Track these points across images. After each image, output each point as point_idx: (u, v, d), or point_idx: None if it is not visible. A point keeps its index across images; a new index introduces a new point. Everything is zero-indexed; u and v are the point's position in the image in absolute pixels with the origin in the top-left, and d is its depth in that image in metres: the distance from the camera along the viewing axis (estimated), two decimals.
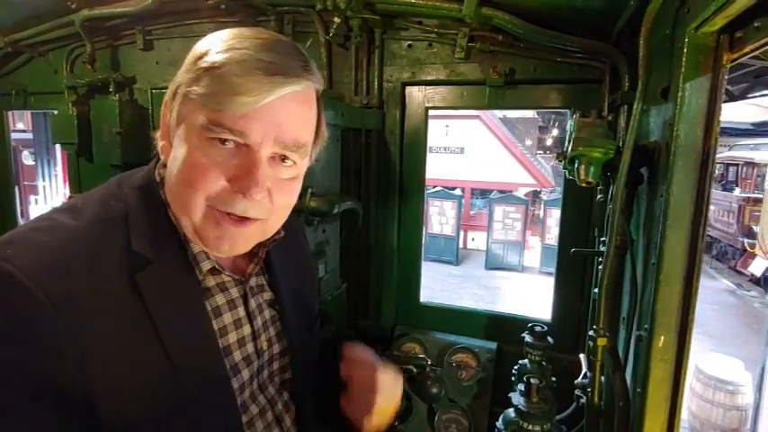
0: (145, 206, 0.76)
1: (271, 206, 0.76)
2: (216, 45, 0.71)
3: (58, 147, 9.41)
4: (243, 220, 0.74)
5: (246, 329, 0.86)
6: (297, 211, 1.65)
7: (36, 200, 10.98)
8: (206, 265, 0.78)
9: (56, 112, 2.62)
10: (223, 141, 0.70)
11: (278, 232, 0.87)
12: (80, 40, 2.52)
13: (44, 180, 10.79)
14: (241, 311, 0.85)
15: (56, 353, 0.61)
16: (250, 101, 0.67)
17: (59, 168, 10.77)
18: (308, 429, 0.98)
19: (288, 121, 0.72)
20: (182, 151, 0.72)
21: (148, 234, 0.74)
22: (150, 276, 0.71)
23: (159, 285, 0.72)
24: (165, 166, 0.79)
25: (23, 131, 12.41)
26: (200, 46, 0.74)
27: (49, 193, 10.86)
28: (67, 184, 3.51)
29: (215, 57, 0.70)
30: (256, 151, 0.70)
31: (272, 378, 0.92)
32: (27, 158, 11.97)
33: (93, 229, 0.71)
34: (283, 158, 0.75)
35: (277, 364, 0.93)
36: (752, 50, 1.01)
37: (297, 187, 0.81)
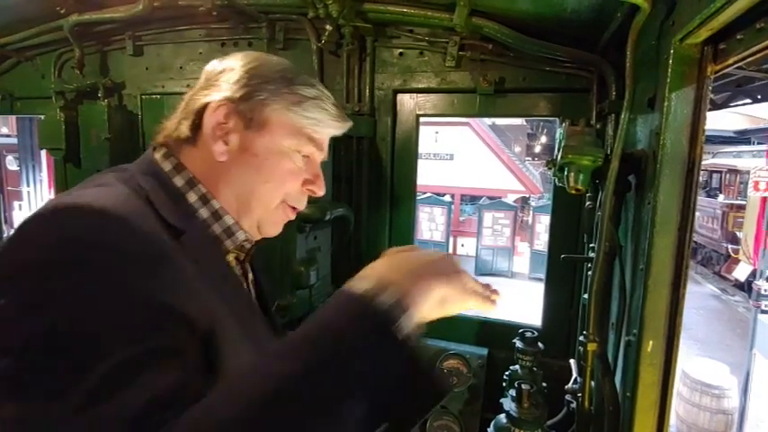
0: (160, 189, 0.81)
1: None
2: (298, 76, 0.89)
3: (43, 152, 9.28)
4: (295, 209, 0.94)
5: None
6: None
7: (20, 206, 10.77)
8: (241, 235, 0.89)
9: (43, 117, 2.59)
10: (304, 155, 0.90)
11: None
12: (69, 44, 2.50)
13: (29, 186, 10.61)
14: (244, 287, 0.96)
15: (173, 284, 0.66)
16: (338, 131, 0.95)
17: (45, 174, 10.60)
18: None
19: None
20: (269, 155, 0.86)
21: (172, 210, 0.79)
22: (188, 242, 0.76)
23: (197, 250, 0.78)
24: (172, 155, 0.86)
25: (7, 136, 12.22)
26: (285, 69, 0.89)
27: (33, 199, 10.67)
28: (53, 189, 3.46)
29: (314, 91, 0.89)
30: (317, 161, 0.94)
31: None
32: (11, 164, 11.77)
33: (133, 197, 0.75)
34: None
35: None
36: (735, 62, 1.04)
37: None
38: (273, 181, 0.87)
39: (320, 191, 0.94)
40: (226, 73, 0.86)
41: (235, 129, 0.84)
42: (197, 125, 0.85)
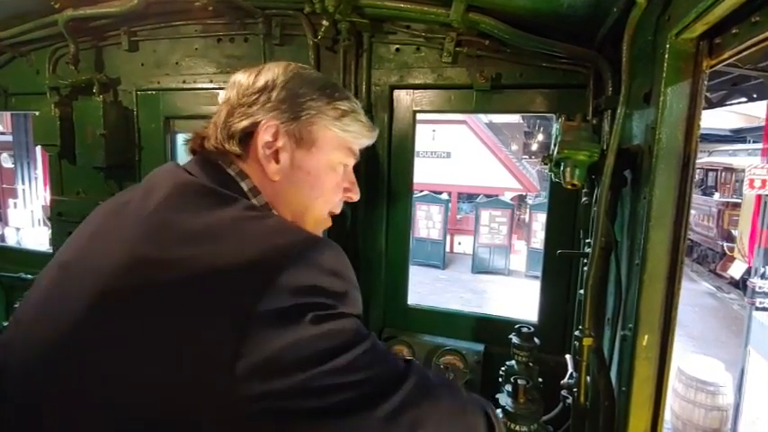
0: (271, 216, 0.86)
1: None
2: (336, 89, 0.94)
3: (38, 149, 9.22)
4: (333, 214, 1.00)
5: None
6: None
7: (15, 203, 10.72)
8: None
9: (37, 113, 2.57)
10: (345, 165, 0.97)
11: None
12: (63, 40, 2.48)
13: (24, 183, 10.55)
14: None
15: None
16: (372, 140, 1.02)
17: (40, 171, 10.55)
18: None
19: None
20: (317, 171, 0.91)
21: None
22: None
23: None
24: (233, 163, 0.86)
25: (2, 133, 12.15)
26: (325, 84, 0.93)
27: (28, 197, 10.62)
28: (48, 186, 3.45)
29: (349, 104, 0.94)
30: (351, 169, 1.01)
31: None
32: (6, 161, 11.71)
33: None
34: None
35: None
36: (730, 56, 1.04)
37: None
38: (325, 195, 0.94)
39: (357, 196, 1.02)
40: (268, 90, 0.87)
41: (285, 148, 0.87)
42: (246, 143, 0.86)
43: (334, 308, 0.66)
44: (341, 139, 0.93)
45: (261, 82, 0.88)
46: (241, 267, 0.63)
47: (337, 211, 1.00)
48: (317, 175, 0.91)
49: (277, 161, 0.86)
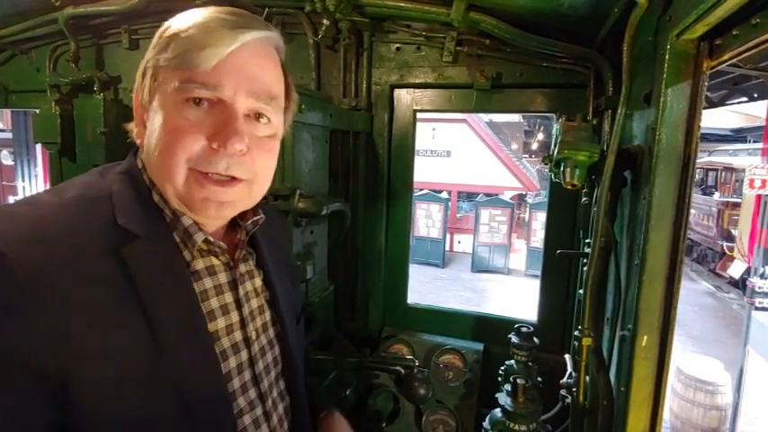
0: (129, 188, 0.76)
1: (253, 166, 0.77)
2: (179, 18, 0.77)
3: (38, 146, 9.22)
4: (227, 181, 0.75)
5: (234, 317, 0.84)
6: (285, 212, 1.65)
7: (15, 201, 10.72)
8: (199, 237, 0.78)
9: (37, 110, 2.57)
10: (198, 102, 0.72)
11: (257, 214, 0.88)
12: (64, 38, 2.48)
13: (24, 180, 10.55)
14: (228, 297, 0.84)
15: (27, 326, 0.58)
16: (218, 51, 0.71)
17: (40, 168, 10.55)
18: (302, 426, 0.97)
19: (257, 73, 0.76)
20: (158, 120, 0.73)
21: (134, 212, 0.73)
22: (137, 250, 0.70)
23: (146, 260, 0.71)
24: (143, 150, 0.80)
25: (2, 131, 12.14)
26: (164, 24, 0.79)
27: (28, 194, 10.61)
28: (48, 184, 3.45)
29: (180, 24, 0.74)
30: (231, 104, 0.73)
31: (269, 371, 0.90)
32: (6, 158, 11.70)
33: (74, 206, 0.70)
34: (258, 116, 0.78)
35: (270, 356, 0.91)
36: (730, 58, 1.04)
37: (276, 147, 0.83)
38: (168, 147, 0.76)
39: (230, 140, 0.73)
40: None
41: (144, 107, 0.81)
42: None
43: None
44: (170, 73, 0.73)
45: None
46: None
47: (209, 167, 0.73)
48: (157, 124, 0.74)
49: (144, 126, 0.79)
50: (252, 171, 0.78)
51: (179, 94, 0.72)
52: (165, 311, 0.70)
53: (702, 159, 15.31)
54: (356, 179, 2.24)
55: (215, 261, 0.84)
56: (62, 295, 0.61)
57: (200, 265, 0.81)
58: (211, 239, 0.80)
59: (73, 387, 0.61)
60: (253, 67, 0.75)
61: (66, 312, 0.61)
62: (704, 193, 14.19)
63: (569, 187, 1.47)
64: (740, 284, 10.95)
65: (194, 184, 0.74)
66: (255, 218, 0.89)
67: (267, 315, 0.93)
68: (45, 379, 0.60)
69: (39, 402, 0.60)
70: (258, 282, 0.93)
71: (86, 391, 0.62)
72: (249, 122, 0.77)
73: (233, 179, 0.75)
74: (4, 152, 11.81)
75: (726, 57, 1.05)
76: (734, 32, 0.99)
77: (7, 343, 0.58)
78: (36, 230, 0.63)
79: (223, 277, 0.84)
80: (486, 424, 1.70)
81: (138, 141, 0.80)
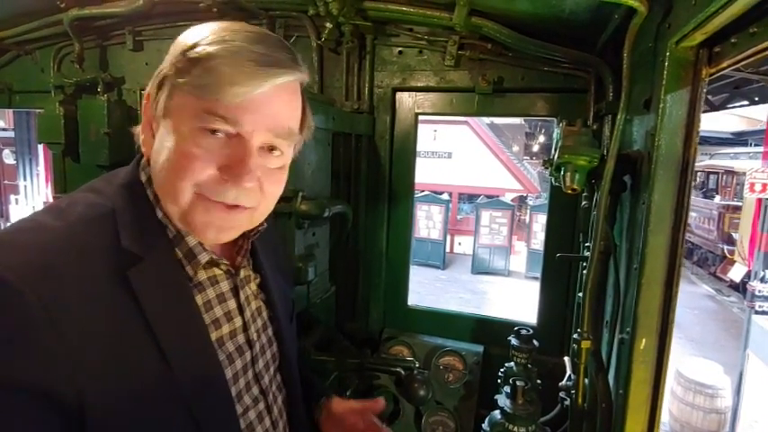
0: (131, 204, 0.76)
1: (260, 195, 0.78)
2: (206, 37, 0.73)
3: (40, 146, 9.23)
4: (233, 207, 0.75)
5: (237, 321, 0.87)
6: (287, 213, 1.66)
7: (17, 200, 10.75)
8: (204, 257, 0.79)
9: (41, 111, 2.59)
10: (214, 132, 0.71)
11: (261, 223, 0.88)
12: (68, 39, 2.50)
13: (25, 180, 10.58)
14: (231, 304, 0.87)
15: (48, 358, 0.60)
16: (245, 90, 0.69)
17: (42, 168, 10.57)
18: (298, 414, 1.03)
19: (280, 111, 0.75)
20: (170, 141, 0.72)
21: (137, 231, 0.73)
22: (141, 273, 0.71)
23: (150, 282, 0.72)
24: (148, 162, 0.79)
25: (4, 130, 12.16)
26: (187, 37, 0.75)
27: (30, 193, 10.64)
28: (50, 183, 3.46)
29: (207, 48, 0.71)
30: (248, 140, 0.72)
31: (268, 368, 0.95)
32: (8, 157, 11.72)
33: (79, 229, 0.70)
34: (271, 149, 0.77)
35: (269, 353, 0.96)
36: (729, 65, 1.06)
37: (284, 177, 0.84)
38: (177, 171, 0.76)
39: (241, 179, 0.74)
40: None
41: (156, 120, 0.79)
42: None
43: None
44: (190, 97, 0.71)
45: None
46: None
47: (218, 197, 0.73)
48: (169, 145, 0.73)
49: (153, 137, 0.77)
50: (258, 200, 0.79)
51: (196, 122, 0.71)
52: (170, 330, 0.72)
53: (703, 162, 15.31)
54: (358, 181, 2.26)
55: (217, 271, 0.86)
56: (77, 324, 0.63)
57: (202, 276, 0.83)
58: (215, 258, 0.82)
59: (87, 410, 0.63)
60: (276, 105, 0.74)
61: (81, 340, 0.63)
62: (705, 197, 14.18)
63: (569, 192, 1.49)
64: (740, 288, 10.95)
65: (200, 207, 0.74)
66: (260, 228, 0.90)
67: (265, 314, 0.97)
68: (65, 406, 0.61)
69: (59, 429, 0.62)
70: (256, 284, 0.96)
71: (101, 413, 0.64)
72: (262, 154, 0.76)
73: (238, 206, 0.76)
74: (6, 151, 11.83)
75: (724, 64, 1.07)
76: (732, 40, 1.00)
77: (35, 378, 0.59)
78: (46, 261, 0.64)
79: (225, 285, 0.87)
80: (485, 425, 1.71)
81: (143, 150, 0.80)
